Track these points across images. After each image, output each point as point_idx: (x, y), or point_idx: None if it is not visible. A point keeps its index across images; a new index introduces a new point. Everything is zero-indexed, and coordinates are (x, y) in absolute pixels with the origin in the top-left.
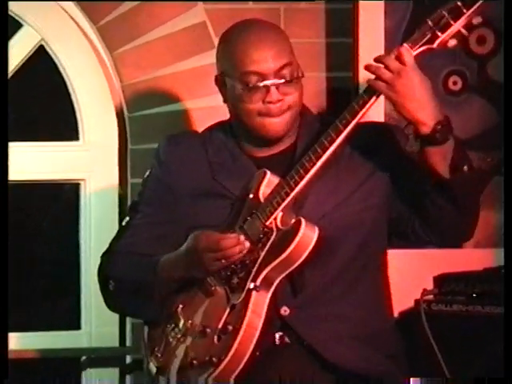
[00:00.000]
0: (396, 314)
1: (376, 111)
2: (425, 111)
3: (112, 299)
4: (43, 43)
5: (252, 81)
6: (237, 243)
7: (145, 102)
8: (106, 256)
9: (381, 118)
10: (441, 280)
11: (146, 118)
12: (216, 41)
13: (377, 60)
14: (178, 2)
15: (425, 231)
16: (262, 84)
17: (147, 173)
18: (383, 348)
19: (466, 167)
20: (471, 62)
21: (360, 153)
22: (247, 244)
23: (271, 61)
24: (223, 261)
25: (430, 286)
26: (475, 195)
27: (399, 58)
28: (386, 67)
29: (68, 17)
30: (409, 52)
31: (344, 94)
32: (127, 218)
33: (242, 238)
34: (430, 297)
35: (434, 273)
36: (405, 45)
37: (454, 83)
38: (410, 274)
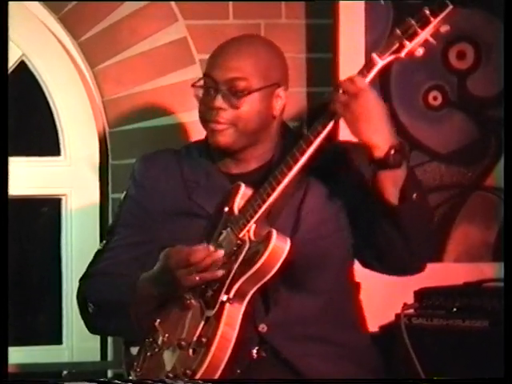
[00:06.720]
0: (377, 328)
1: None
2: (379, 134)
3: (92, 322)
4: (24, 59)
5: (205, 83)
6: (207, 254)
7: (126, 118)
8: (84, 280)
9: None
10: (421, 294)
11: (126, 133)
12: (197, 56)
13: (335, 87)
14: (159, 18)
15: (372, 259)
16: (210, 88)
17: (123, 194)
18: (362, 364)
19: (415, 195)
20: (451, 77)
21: (333, 170)
22: (220, 253)
23: (224, 69)
24: (197, 277)
25: (410, 300)
26: (423, 225)
27: (354, 84)
28: (343, 91)
29: (49, 32)
30: (361, 78)
31: None
32: (104, 242)
33: (212, 248)
34: (411, 311)
35: (414, 287)
36: (373, 55)
37: (435, 98)
38: (391, 288)
